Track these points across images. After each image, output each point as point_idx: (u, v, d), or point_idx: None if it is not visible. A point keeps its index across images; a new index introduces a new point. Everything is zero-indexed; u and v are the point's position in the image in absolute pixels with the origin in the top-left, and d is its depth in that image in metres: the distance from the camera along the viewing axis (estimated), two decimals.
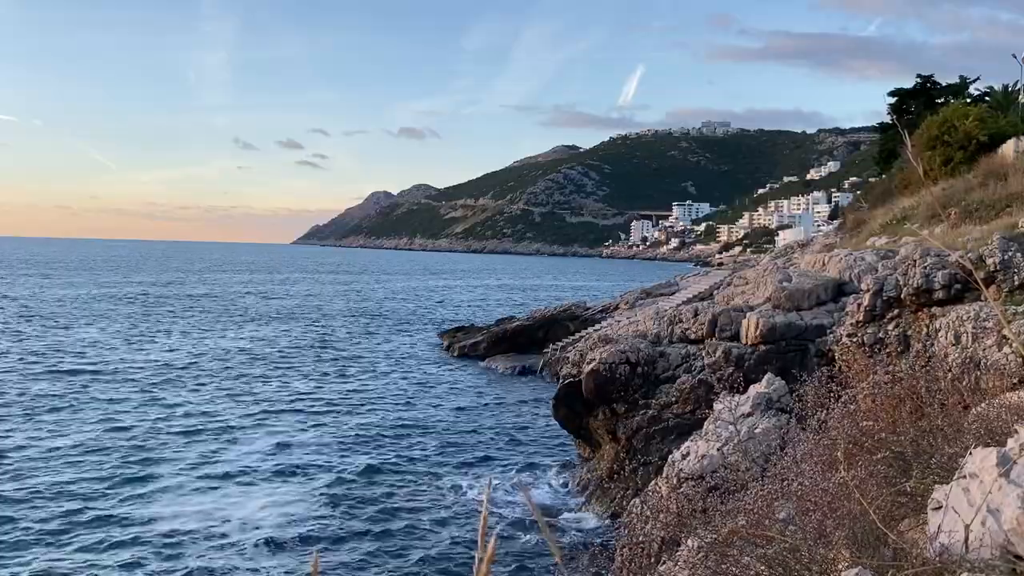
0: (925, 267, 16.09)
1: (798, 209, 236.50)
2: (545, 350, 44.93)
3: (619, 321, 39.13)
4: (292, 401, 35.18)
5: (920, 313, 16.14)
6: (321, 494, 22.38)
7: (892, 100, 47.64)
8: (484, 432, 30.66)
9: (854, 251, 22.95)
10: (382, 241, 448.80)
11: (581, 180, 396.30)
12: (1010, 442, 4.46)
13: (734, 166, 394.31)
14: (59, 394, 34.38)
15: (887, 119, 49.66)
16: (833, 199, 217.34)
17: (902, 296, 16.40)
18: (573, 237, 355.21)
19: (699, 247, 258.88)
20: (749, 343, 20.46)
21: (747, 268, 46.41)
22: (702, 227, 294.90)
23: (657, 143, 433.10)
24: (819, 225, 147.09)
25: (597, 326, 41.62)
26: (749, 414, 14.19)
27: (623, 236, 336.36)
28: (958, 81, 45.84)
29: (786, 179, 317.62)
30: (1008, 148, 26.50)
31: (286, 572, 17.37)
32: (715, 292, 33.27)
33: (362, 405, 34.79)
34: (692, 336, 22.21)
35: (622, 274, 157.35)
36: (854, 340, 17.08)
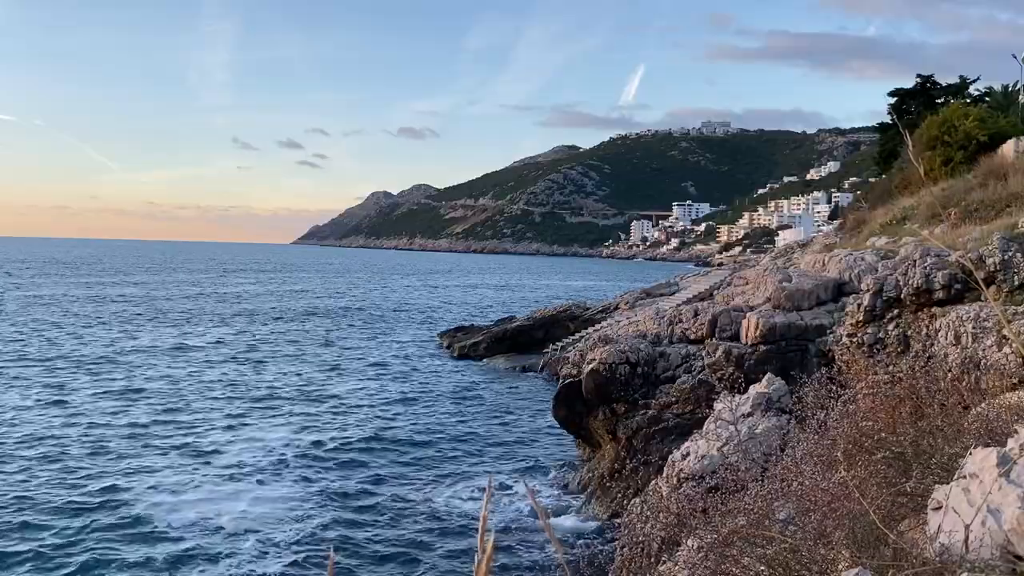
0: (925, 267, 16.08)
1: (798, 209, 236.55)
2: (545, 350, 44.93)
3: (619, 321, 39.14)
4: (291, 400, 35.18)
5: (920, 313, 16.13)
6: (319, 494, 22.38)
7: (892, 100, 47.64)
8: (484, 432, 30.66)
9: (854, 251, 22.94)
10: (382, 241, 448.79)
11: (581, 180, 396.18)
12: (1010, 442, 4.46)
13: (734, 166, 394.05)
14: (56, 387, 34.42)
15: (887, 119, 49.58)
16: (833, 199, 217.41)
17: (902, 296, 16.40)
18: (573, 237, 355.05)
19: (699, 247, 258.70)
20: (749, 343, 20.46)
21: (747, 268, 46.42)
22: (702, 227, 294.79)
23: (657, 143, 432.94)
24: (819, 225, 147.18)
25: (597, 326, 41.62)
26: (749, 414, 14.19)
27: (623, 236, 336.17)
28: (958, 81, 45.82)
29: (786, 179, 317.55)
30: (1008, 148, 26.49)
31: (286, 571, 17.36)
32: (715, 292, 33.26)
33: (361, 405, 34.80)
34: (692, 336, 22.21)
35: (622, 274, 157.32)
36: (854, 340, 17.08)
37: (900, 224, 24.74)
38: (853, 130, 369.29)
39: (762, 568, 5.66)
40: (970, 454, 4.51)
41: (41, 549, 18.10)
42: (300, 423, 31.02)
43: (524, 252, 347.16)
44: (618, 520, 14.18)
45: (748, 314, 21.08)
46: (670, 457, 14.86)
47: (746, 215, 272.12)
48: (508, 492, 22.90)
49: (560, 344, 43.33)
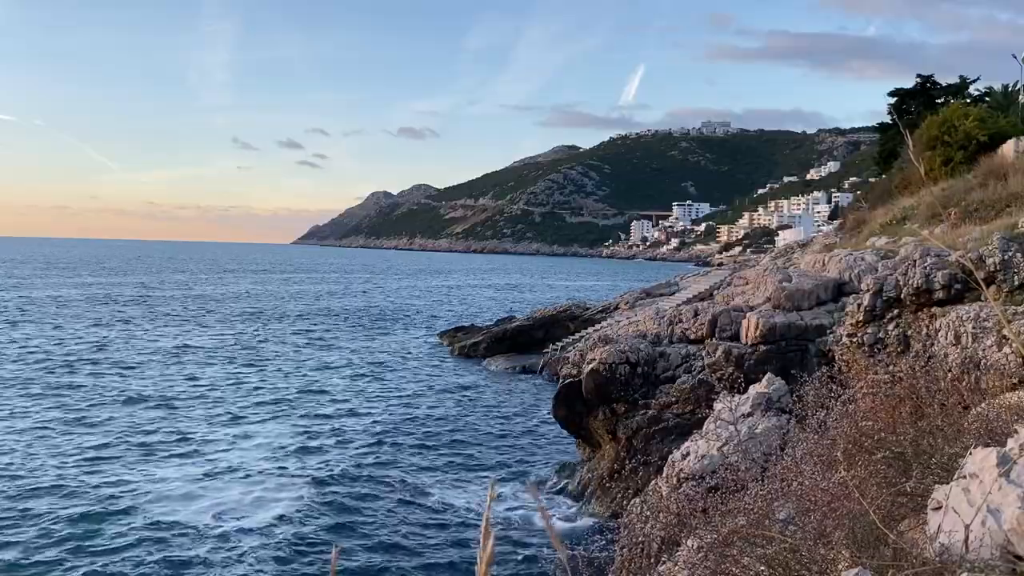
0: (925, 267, 16.08)
1: (798, 209, 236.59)
2: (545, 350, 44.93)
3: (619, 321, 39.13)
4: (291, 400, 35.17)
5: (920, 313, 16.13)
6: (319, 493, 22.37)
7: (892, 100, 47.63)
8: (484, 432, 30.66)
9: (854, 251, 22.94)
10: (382, 241, 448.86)
11: (581, 180, 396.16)
12: (1010, 442, 4.46)
13: (734, 166, 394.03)
14: (54, 387, 34.41)
15: (887, 119, 49.57)
16: (833, 199, 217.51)
17: (902, 296, 16.39)
18: (573, 237, 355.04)
19: (699, 247, 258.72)
20: (749, 343, 20.46)
21: (747, 268, 46.41)
22: (702, 227, 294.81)
23: (657, 143, 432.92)
24: (819, 225, 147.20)
25: (597, 326, 41.62)
26: (749, 414, 14.19)
27: (623, 236, 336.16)
28: (958, 81, 45.82)
29: (786, 179, 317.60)
30: (1008, 148, 26.48)
31: (283, 570, 17.36)
32: (715, 292, 33.26)
33: (362, 405, 34.79)
34: (692, 336, 22.20)
35: (622, 274, 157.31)
36: (854, 340, 17.07)
37: (900, 224, 24.74)
38: (853, 130, 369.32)
39: (762, 568, 5.66)
40: (970, 454, 4.51)
41: (41, 549, 18.09)
42: (300, 423, 31.01)
43: (524, 252, 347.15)
44: (618, 520, 14.18)
45: (748, 314, 21.08)
46: (670, 457, 14.86)
47: (746, 215, 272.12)
48: (507, 492, 22.88)
49: (560, 344, 43.33)
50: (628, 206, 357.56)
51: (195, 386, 37.55)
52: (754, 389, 14.92)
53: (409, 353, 51.44)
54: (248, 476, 23.98)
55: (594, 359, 22.45)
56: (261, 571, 17.30)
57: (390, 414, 33.11)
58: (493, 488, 1.72)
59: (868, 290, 17.32)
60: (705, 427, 14.79)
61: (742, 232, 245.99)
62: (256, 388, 37.80)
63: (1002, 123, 30.45)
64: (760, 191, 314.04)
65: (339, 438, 28.75)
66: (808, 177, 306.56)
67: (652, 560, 10.03)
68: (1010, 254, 14.61)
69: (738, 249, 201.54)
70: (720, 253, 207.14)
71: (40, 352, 45.50)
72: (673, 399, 21.06)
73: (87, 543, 18.50)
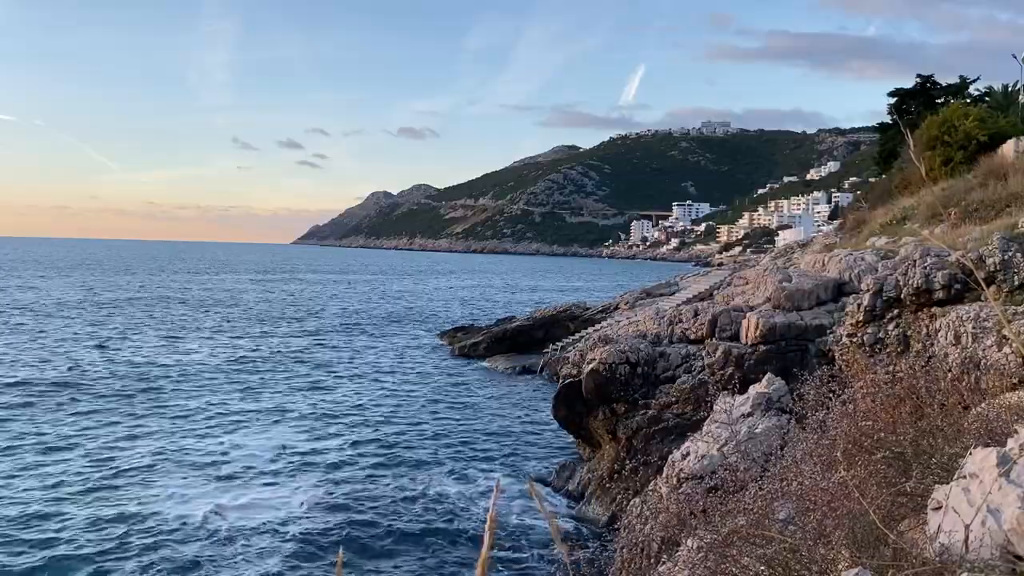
0: (925, 267, 16.07)
1: (798, 209, 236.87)
2: (545, 350, 44.93)
3: (619, 321, 39.13)
4: (291, 401, 35.17)
5: (920, 313, 16.13)
6: (319, 494, 22.37)
7: (892, 100, 47.64)
8: (484, 432, 30.66)
9: (854, 251, 22.94)
10: (382, 241, 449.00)
11: (581, 180, 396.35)
12: (1010, 442, 4.46)
13: (734, 166, 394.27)
14: (53, 389, 34.41)
15: (887, 119, 49.56)
16: (833, 199, 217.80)
17: (902, 296, 16.39)
18: (573, 237, 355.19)
19: (699, 247, 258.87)
20: (749, 343, 20.45)
21: (747, 268, 46.43)
22: (702, 227, 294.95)
23: (657, 143, 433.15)
24: (819, 225, 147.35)
25: (597, 326, 41.63)
26: (749, 414, 14.19)
27: (623, 236, 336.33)
28: (958, 81, 45.84)
29: (786, 179, 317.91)
30: (1008, 148, 26.48)
31: (287, 570, 17.36)
32: (715, 292, 33.26)
33: (362, 405, 34.79)
34: (692, 336, 22.20)
35: (622, 274, 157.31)
36: (854, 340, 17.07)
37: (900, 224, 24.75)
38: (853, 130, 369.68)
39: (762, 568, 5.66)
40: (970, 454, 4.50)
41: (42, 550, 18.09)
42: (300, 423, 31.01)
43: (524, 252, 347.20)
44: (618, 521, 14.18)
45: (748, 314, 21.08)
46: (670, 457, 14.85)
47: (746, 215, 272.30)
48: (506, 491, 22.86)
49: (560, 344, 43.33)
50: (628, 206, 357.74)
51: (195, 386, 37.54)
52: (754, 389, 14.92)
53: (409, 353, 51.43)
54: (249, 476, 23.97)
55: (594, 359, 22.45)
56: (265, 571, 17.30)
57: (390, 414, 33.11)
58: (499, 485, 1.72)
59: (868, 290, 17.32)
60: (705, 427, 14.79)
61: (742, 232, 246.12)
62: (256, 388, 37.79)
63: (1002, 123, 30.45)
64: (760, 191, 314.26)
65: (340, 438, 28.75)
66: (808, 177, 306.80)
67: (652, 560, 10.03)
68: (1010, 254, 14.61)
69: (738, 249, 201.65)
70: (720, 253, 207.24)
71: (40, 353, 45.49)
72: (673, 399, 21.06)
73: (88, 544, 18.49)
